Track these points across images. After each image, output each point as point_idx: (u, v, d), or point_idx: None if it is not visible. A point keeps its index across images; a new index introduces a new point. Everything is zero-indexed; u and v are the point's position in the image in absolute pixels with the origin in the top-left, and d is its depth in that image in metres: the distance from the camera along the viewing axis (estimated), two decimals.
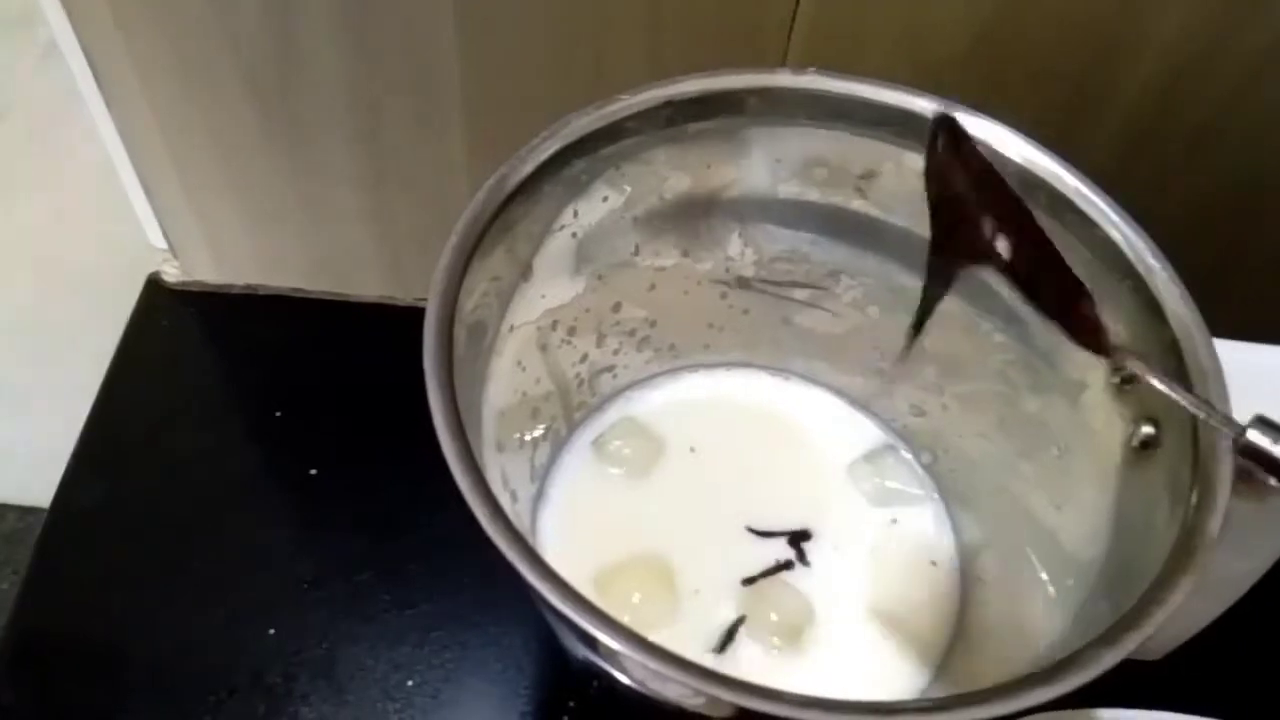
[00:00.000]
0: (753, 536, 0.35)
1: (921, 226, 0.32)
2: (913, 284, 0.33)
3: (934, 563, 0.34)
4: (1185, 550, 0.22)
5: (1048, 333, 0.30)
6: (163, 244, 0.46)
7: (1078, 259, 0.28)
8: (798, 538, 0.34)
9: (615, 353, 0.36)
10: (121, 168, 0.43)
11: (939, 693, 0.30)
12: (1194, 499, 0.23)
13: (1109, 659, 0.21)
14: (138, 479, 0.43)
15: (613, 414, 0.37)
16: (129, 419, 0.44)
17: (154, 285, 0.48)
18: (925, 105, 0.29)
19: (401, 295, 0.47)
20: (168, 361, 0.46)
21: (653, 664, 0.22)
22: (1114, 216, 0.27)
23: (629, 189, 0.31)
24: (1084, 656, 0.21)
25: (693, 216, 0.33)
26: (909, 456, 0.37)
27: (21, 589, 0.39)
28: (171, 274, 0.47)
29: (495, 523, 0.23)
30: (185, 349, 0.47)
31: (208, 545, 0.41)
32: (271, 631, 0.38)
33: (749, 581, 0.34)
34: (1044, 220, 0.29)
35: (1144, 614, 0.21)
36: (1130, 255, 0.27)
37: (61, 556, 0.41)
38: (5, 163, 0.57)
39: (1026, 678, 0.21)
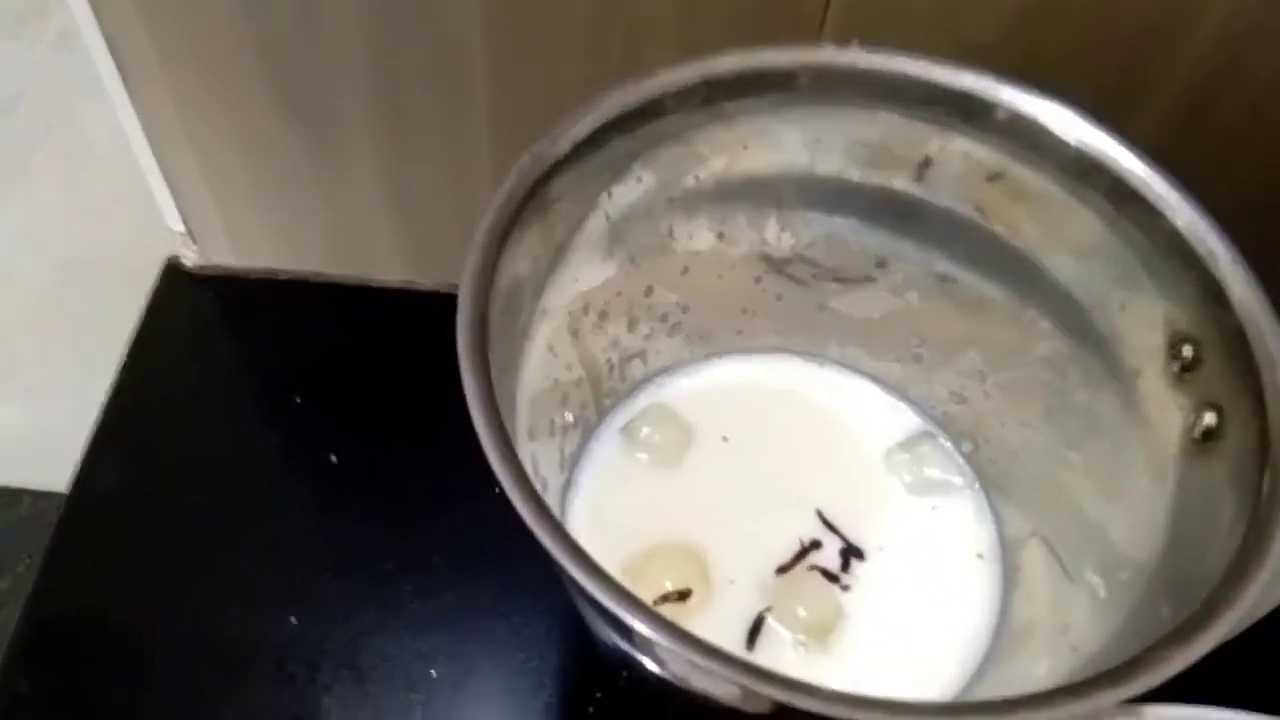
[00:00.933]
0: (787, 524, 0.34)
1: (964, 207, 0.31)
2: (953, 269, 0.33)
3: (980, 555, 0.33)
4: (1258, 545, 0.21)
5: (1101, 318, 0.29)
6: (181, 227, 0.45)
7: (1135, 246, 0.27)
8: (849, 552, 0.33)
9: (646, 338, 0.35)
10: (140, 152, 0.42)
11: (979, 695, 0.29)
12: (1265, 489, 0.22)
13: (1180, 660, 0.20)
14: (156, 465, 0.42)
15: (643, 401, 0.36)
16: (147, 404, 0.44)
17: (172, 269, 0.47)
18: (974, 82, 0.28)
19: (423, 280, 0.46)
20: (186, 346, 0.46)
21: (694, 657, 0.21)
22: (1175, 199, 0.26)
23: (664, 169, 0.30)
24: (1153, 657, 0.20)
25: (728, 199, 0.32)
26: (948, 445, 0.36)
27: (38, 575, 0.39)
28: (190, 258, 0.47)
29: (536, 513, 0.22)
30: (204, 333, 0.46)
31: (227, 533, 0.40)
32: (293, 620, 0.38)
33: (782, 570, 0.33)
34: (1101, 207, 0.28)
35: (1214, 614, 0.20)
36: (1193, 240, 0.26)
37: (79, 543, 0.40)
38: (22, 150, 0.57)
39: (1095, 678, 0.20)
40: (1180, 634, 0.20)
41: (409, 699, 0.36)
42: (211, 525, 0.40)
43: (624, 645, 0.24)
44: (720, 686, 0.22)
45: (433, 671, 0.37)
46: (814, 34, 0.34)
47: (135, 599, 0.39)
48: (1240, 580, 0.21)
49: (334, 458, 0.42)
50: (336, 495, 0.42)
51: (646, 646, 0.23)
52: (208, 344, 0.46)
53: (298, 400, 0.44)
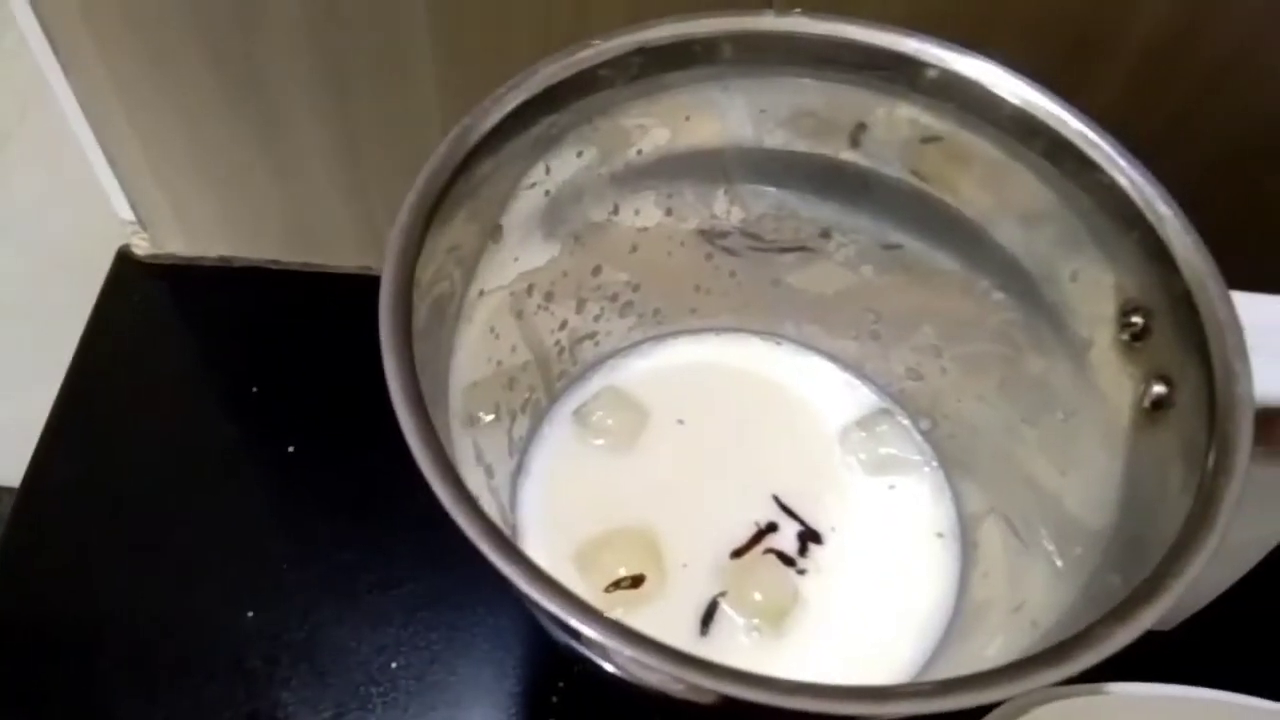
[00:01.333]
0: (743, 507, 0.33)
1: (905, 174, 0.30)
2: (903, 238, 0.32)
3: (940, 534, 0.32)
4: (1202, 518, 0.21)
5: (1051, 288, 0.28)
6: (130, 216, 0.44)
7: (1080, 210, 0.27)
8: (806, 536, 0.33)
9: (596, 319, 0.35)
10: (84, 137, 0.41)
11: (935, 676, 0.29)
12: (1210, 462, 0.22)
13: (1122, 637, 0.19)
14: (110, 457, 0.42)
15: (596, 383, 0.35)
16: (100, 396, 0.43)
17: (124, 258, 0.46)
18: (917, 47, 0.27)
19: (378, 265, 0.45)
20: (140, 336, 0.45)
21: (630, 651, 0.20)
22: (1120, 161, 0.26)
23: (604, 143, 0.29)
24: (1095, 634, 0.19)
25: (674, 173, 0.31)
26: (905, 422, 0.35)
27: None
28: (141, 246, 0.46)
29: (456, 500, 0.21)
30: (158, 323, 0.46)
31: (183, 525, 0.40)
32: (250, 614, 0.37)
33: (737, 554, 0.32)
34: (1044, 169, 0.27)
35: (1159, 587, 0.20)
36: (1139, 202, 0.25)
37: (31, 537, 0.39)
38: None
39: (1033, 658, 0.19)
40: (1121, 611, 0.20)
41: (369, 692, 0.36)
42: (167, 517, 0.40)
43: (568, 642, 0.24)
44: (664, 681, 0.22)
45: (394, 664, 0.36)
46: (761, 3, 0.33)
47: (89, 592, 0.38)
48: (1186, 552, 0.20)
49: (291, 448, 0.41)
50: (294, 486, 0.41)
51: (588, 643, 0.22)
52: (162, 334, 0.45)
53: (254, 390, 0.43)
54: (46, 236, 0.53)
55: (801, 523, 0.33)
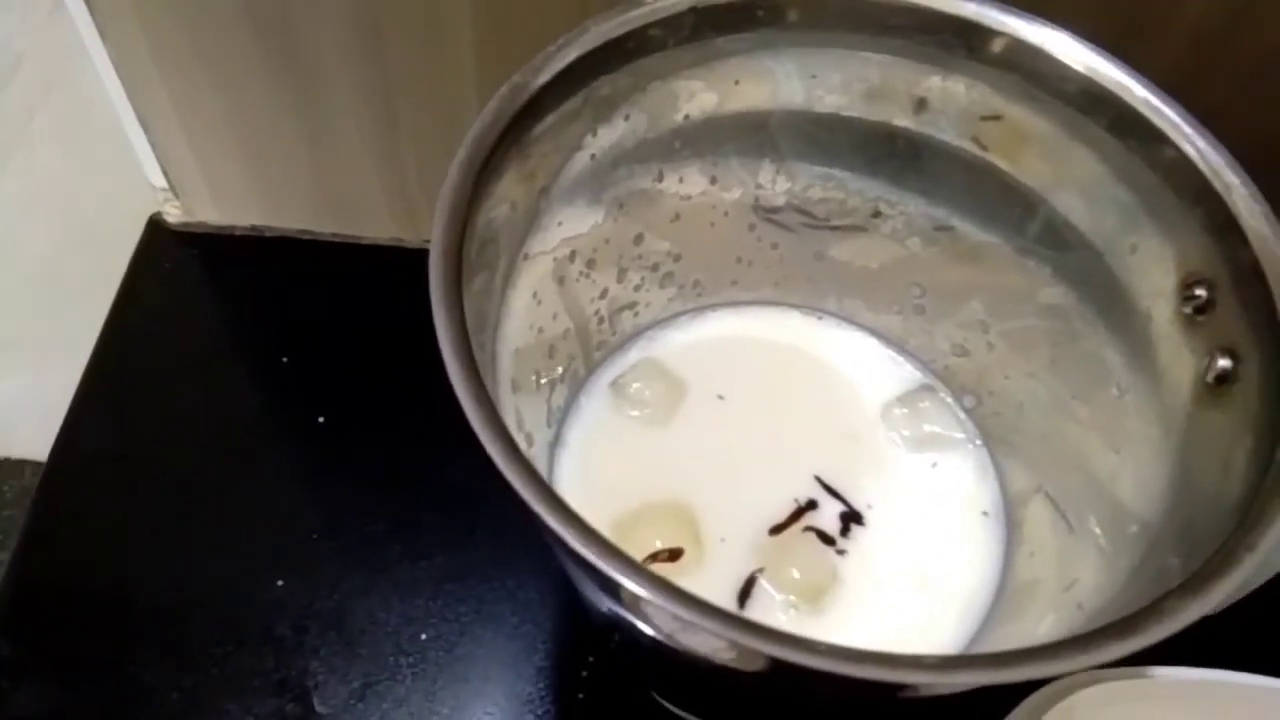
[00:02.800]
0: (782, 483, 0.33)
1: (965, 142, 0.29)
2: (954, 217, 0.31)
3: (985, 513, 0.32)
4: (1276, 488, 0.20)
5: (1112, 261, 0.27)
6: (163, 182, 0.44)
7: (1143, 182, 0.26)
8: (849, 517, 0.32)
9: (637, 288, 0.34)
10: (119, 104, 0.41)
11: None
12: None
13: (1194, 610, 0.19)
14: (140, 426, 0.41)
15: (634, 355, 0.35)
16: (131, 365, 0.43)
17: (155, 226, 0.46)
18: (978, 10, 0.27)
19: (412, 237, 0.45)
20: (171, 305, 0.45)
21: (680, 611, 0.20)
22: (1188, 129, 0.25)
23: (651, 108, 0.29)
24: (1166, 607, 0.19)
25: (721, 140, 0.31)
26: (949, 399, 0.34)
27: (20, 538, 0.38)
28: (173, 214, 0.46)
29: (511, 463, 0.21)
30: (188, 292, 0.45)
31: (213, 494, 0.40)
32: (280, 583, 0.37)
33: (776, 531, 0.32)
34: (1106, 144, 0.26)
35: (1231, 560, 0.19)
36: (1206, 172, 0.24)
37: (62, 506, 0.39)
38: (22, 116, 0.56)
39: (1103, 629, 0.19)
40: (1194, 583, 0.19)
41: (398, 662, 0.36)
42: (197, 487, 0.40)
43: (611, 604, 0.23)
44: (709, 643, 0.21)
45: (423, 635, 0.36)
46: None
47: (120, 562, 0.38)
48: (1258, 525, 0.20)
49: (321, 419, 0.41)
50: (324, 456, 0.41)
51: (633, 604, 0.22)
52: (192, 303, 0.45)
53: (284, 360, 0.43)
54: (77, 203, 0.53)
55: (844, 501, 0.32)
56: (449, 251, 0.23)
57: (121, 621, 0.37)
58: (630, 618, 0.23)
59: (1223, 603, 0.30)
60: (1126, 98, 0.25)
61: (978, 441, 0.34)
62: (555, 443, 0.33)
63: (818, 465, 0.33)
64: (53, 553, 0.38)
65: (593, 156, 0.29)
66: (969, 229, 0.31)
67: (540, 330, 0.31)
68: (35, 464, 0.85)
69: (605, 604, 0.24)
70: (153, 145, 0.42)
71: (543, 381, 0.32)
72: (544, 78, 0.26)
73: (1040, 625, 0.27)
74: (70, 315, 0.48)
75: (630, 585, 0.20)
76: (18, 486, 0.84)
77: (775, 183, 0.32)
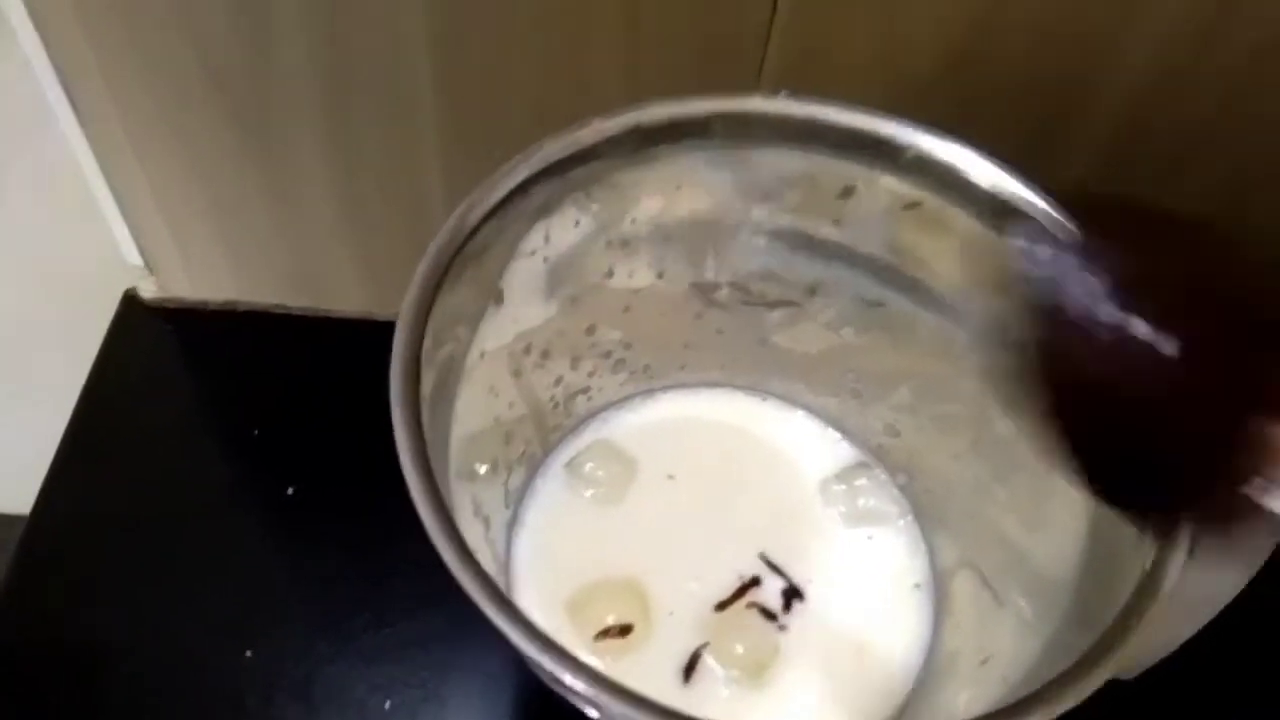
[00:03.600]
0: (727, 559, 0.35)
1: (882, 250, 0.32)
2: (886, 301, 0.33)
3: (917, 585, 0.34)
4: (1151, 584, 0.22)
5: (1020, 357, 0.30)
6: (139, 260, 0.46)
7: None
8: (790, 593, 0.34)
9: (590, 375, 0.36)
10: (96, 185, 0.42)
11: None
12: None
13: (1075, 693, 0.21)
14: (114, 495, 0.42)
15: (588, 436, 0.37)
16: (106, 436, 0.44)
17: (131, 301, 0.47)
18: (897, 130, 0.29)
19: (380, 310, 0.47)
20: (145, 377, 0.46)
21: (615, 704, 0.21)
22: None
23: (600, 212, 0.31)
24: (1050, 692, 0.21)
25: (666, 238, 0.33)
26: (884, 476, 0.37)
27: None
28: (149, 290, 0.47)
29: (458, 559, 0.23)
30: (163, 365, 0.47)
31: (184, 564, 0.40)
32: (249, 653, 0.38)
33: (722, 606, 0.33)
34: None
35: (1110, 646, 0.21)
36: None
37: (36, 571, 0.40)
38: None
39: (995, 713, 0.21)
40: (1078, 668, 0.21)
41: None
42: (169, 557, 0.41)
43: (554, 687, 0.25)
44: None
45: (387, 703, 0.37)
46: (754, 74, 0.35)
47: (91, 628, 0.39)
48: (1135, 613, 0.22)
49: (290, 489, 0.42)
50: (293, 526, 0.42)
51: (572, 691, 0.24)
52: (167, 376, 0.46)
53: (255, 432, 0.44)
54: (57, 273, 0.54)
55: (785, 577, 0.34)
56: (408, 364, 0.25)
57: (92, 688, 0.37)
58: (576, 702, 0.25)
59: (1136, 668, 0.32)
60: (1030, 210, 0.28)
61: (910, 517, 0.36)
62: (512, 523, 0.35)
63: (761, 542, 0.35)
64: (26, 619, 0.39)
65: (545, 259, 0.31)
66: (898, 314, 0.33)
67: (497, 418, 0.32)
68: (10, 518, 0.85)
69: (557, 690, 0.25)
70: (130, 226, 0.44)
71: (500, 465, 0.34)
72: (499, 193, 0.28)
73: (959, 697, 0.29)
74: (41, 375, 0.49)
75: (572, 681, 0.21)
76: None
77: (718, 273, 0.35)
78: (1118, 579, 0.24)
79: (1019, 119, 0.35)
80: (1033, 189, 0.28)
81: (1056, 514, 0.29)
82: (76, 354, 0.46)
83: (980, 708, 0.25)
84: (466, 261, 0.27)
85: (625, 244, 0.33)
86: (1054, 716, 0.22)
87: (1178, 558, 0.23)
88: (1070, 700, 0.22)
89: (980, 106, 0.32)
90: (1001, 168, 0.28)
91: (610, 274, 0.33)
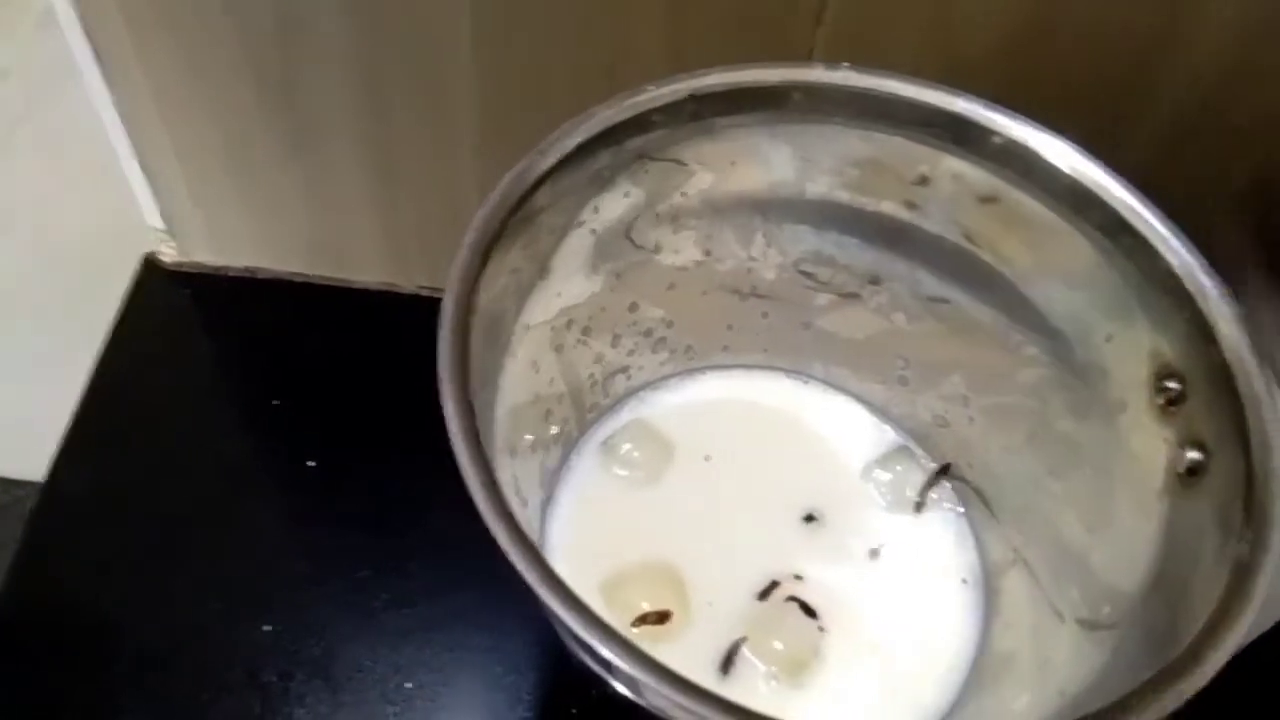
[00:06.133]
0: (767, 545, 0.33)
1: (954, 233, 0.30)
2: (942, 290, 0.32)
3: (964, 580, 0.33)
4: (1240, 591, 0.21)
5: (1087, 349, 0.29)
6: (160, 224, 0.45)
7: (1120, 276, 0.27)
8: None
9: (630, 353, 0.35)
10: (119, 145, 0.41)
11: None
12: (1249, 534, 0.22)
13: (1155, 711, 0.19)
14: (130, 465, 0.41)
15: (626, 415, 0.36)
16: (122, 403, 0.43)
17: (150, 265, 0.46)
18: (966, 107, 0.28)
19: (404, 283, 0.46)
20: (163, 344, 0.45)
21: (664, 690, 0.20)
22: (1164, 231, 0.26)
23: (651, 185, 0.30)
24: (1130, 707, 0.20)
25: (716, 215, 0.32)
26: (931, 466, 0.36)
27: (7, 575, 0.38)
28: (168, 255, 0.46)
29: (512, 538, 0.22)
30: (181, 331, 0.46)
31: (201, 537, 0.40)
32: (267, 628, 0.37)
33: (764, 595, 0.32)
34: (1092, 235, 0.27)
35: (1197, 660, 0.20)
36: (1181, 272, 0.26)
37: (49, 542, 0.39)
38: (5, 128, 0.56)
39: None
40: (1158, 681, 0.20)
41: (384, 711, 0.36)
42: (185, 529, 0.40)
43: (598, 670, 0.24)
44: (688, 718, 0.22)
45: (408, 683, 0.36)
46: (804, 53, 0.34)
47: (105, 602, 0.38)
48: (1222, 627, 0.21)
49: (311, 462, 0.41)
50: (313, 501, 0.41)
51: (619, 674, 0.23)
52: (185, 343, 0.46)
53: (275, 403, 0.43)
54: (73, 234, 0.53)
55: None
56: (457, 329, 0.24)
57: (105, 663, 0.37)
58: (616, 684, 0.24)
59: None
60: (1109, 200, 0.27)
61: (959, 509, 0.35)
62: (548, 502, 0.34)
63: (801, 530, 0.34)
64: (39, 591, 0.38)
65: (593, 231, 0.30)
66: (957, 305, 0.32)
67: (537, 395, 0.31)
68: (6, 480, 0.84)
69: (589, 667, 0.24)
70: (151, 187, 0.43)
71: (538, 443, 0.32)
72: (550, 160, 0.26)
73: (1017, 701, 0.28)
74: (54, 338, 0.48)
75: (616, 660, 0.20)
76: (4, 500, 0.83)
77: (767, 255, 0.33)
78: (1192, 592, 0.23)
79: (1076, 105, 0.34)
80: (1115, 177, 0.27)
81: (1121, 513, 0.28)
82: (94, 318, 0.45)
83: (1039, 715, 0.24)
84: (517, 229, 0.26)
85: (674, 219, 0.31)
86: None
87: (1266, 574, 0.22)
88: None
89: (1036, 91, 0.30)
90: (1083, 154, 0.27)
91: (657, 250, 0.32)
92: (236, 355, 0.45)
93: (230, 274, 0.46)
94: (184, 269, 0.46)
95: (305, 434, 0.42)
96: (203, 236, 0.45)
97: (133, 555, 0.39)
